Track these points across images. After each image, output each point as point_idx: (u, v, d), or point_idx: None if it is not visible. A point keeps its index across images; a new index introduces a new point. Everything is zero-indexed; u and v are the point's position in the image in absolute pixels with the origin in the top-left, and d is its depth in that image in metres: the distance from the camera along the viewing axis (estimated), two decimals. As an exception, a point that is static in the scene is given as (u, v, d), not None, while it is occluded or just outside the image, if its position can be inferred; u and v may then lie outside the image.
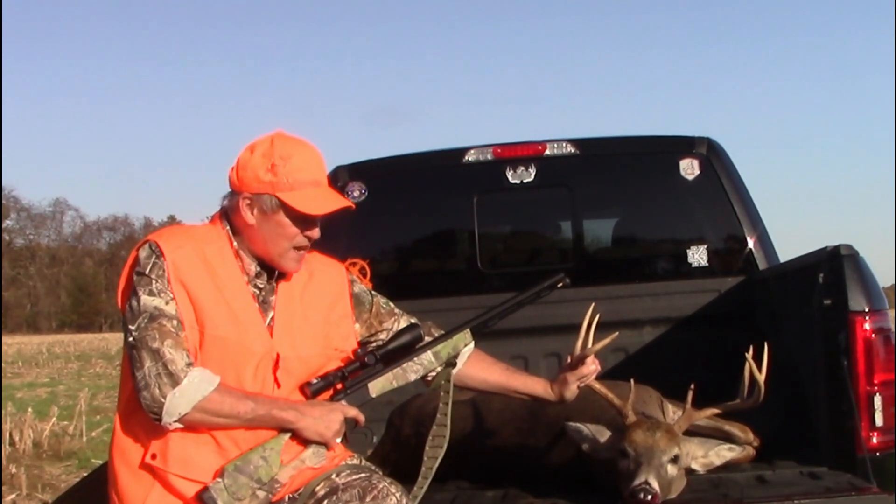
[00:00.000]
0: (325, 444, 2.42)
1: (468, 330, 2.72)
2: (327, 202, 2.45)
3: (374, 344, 2.67)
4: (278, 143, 2.44)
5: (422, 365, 2.63)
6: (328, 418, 2.41)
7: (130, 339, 2.32)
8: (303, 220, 2.44)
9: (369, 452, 3.47)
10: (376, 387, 2.55)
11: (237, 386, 2.36)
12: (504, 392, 2.81)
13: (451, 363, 2.69)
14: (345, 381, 2.51)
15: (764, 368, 2.79)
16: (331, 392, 2.50)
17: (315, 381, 2.46)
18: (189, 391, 2.26)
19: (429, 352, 2.64)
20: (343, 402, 2.49)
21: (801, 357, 3.29)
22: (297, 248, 2.47)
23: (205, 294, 2.37)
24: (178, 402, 2.26)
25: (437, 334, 2.74)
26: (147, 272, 2.34)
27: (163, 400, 2.25)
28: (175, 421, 2.27)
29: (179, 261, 2.36)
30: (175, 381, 2.26)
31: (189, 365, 2.29)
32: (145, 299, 2.32)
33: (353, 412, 2.48)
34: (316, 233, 2.48)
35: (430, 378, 2.70)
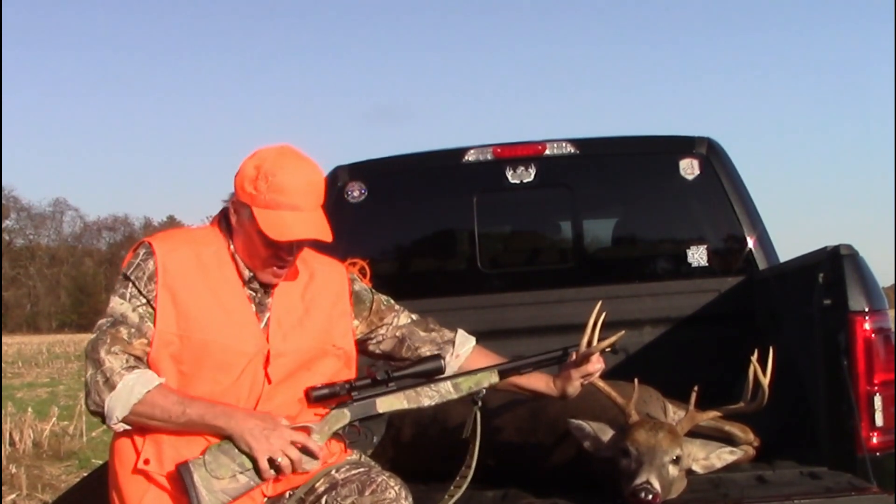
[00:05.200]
0: (255, 460, 2.31)
1: (496, 371, 2.66)
2: (293, 229, 2.37)
3: (374, 340, 2.69)
4: (275, 157, 2.41)
5: (438, 393, 2.59)
6: (265, 434, 2.32)
7: (89, 339, 2.38)
8: (272, 242, 2.40)
9: (370, 452, 3.47)
10: (385, 403, 2.53)
11: (228, 385, 2.38)
12: (506, 388, 2.78)
13: (473, 400, 2.64)
14: (352, 392, 2.49)
15: (769, 373, 2.79)
16: (335, 402, 2.49)
17: (320, 387, 2.46)
18: (123, 395, 2.30)
19: (448, 382, 2.60)
20: (331, 415, 2.46)
21: (801, 357, 3.29)
22: (271, 266, 2.44)
23: (195, 298, 2.38)
24: (114, 406, 2.31)
25: (434, 328, 2.74)
26: (129, 273, 2.39)
27: (102, 405, 2.31)
28: (116, 423, 2.32)
29: (171, 264, 2.38)
30: (111, 385, 2.30)
31: (126, 368, 2.31)
32: (114, 302, 2.38)
33: (310, 443, 2.36)
34: (285, 255, 2.43)
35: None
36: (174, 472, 2.32)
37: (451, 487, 2.64)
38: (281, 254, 2.43)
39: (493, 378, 2.66)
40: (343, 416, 2.49)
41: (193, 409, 2.33)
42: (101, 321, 2.38)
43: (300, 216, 2.39)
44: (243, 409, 2.38)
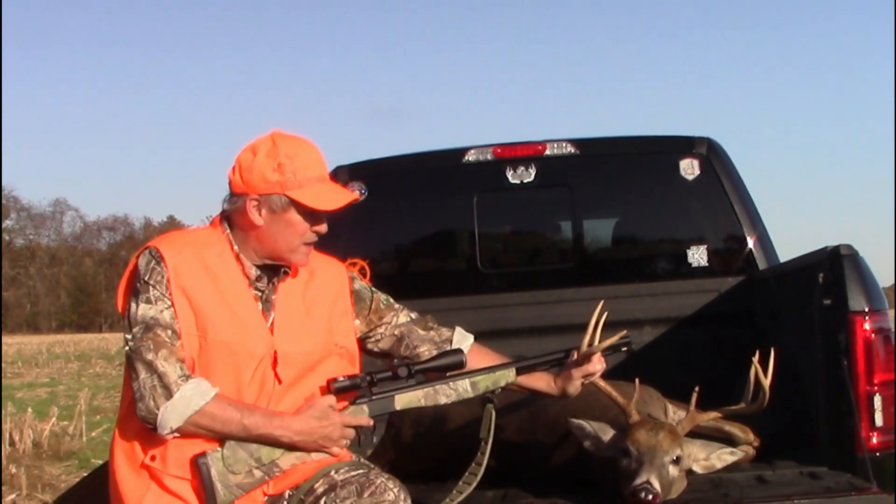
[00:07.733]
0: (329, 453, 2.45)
1: (514, 369, 2.68)
2: (337, 197, 2.50)
3: (373, 338, 2.70)
4: (280, 142, 2.46)
5: (455, 391, 2.61)
6: (324, 432, 2.41)
7: (127, 348, 2.35)
8: (312, 216, 2.47)
9: (369, 452, 3.47)
10: (402, 400, 2.54)
11: (238, 387, 2.38)
12: (507, 386, 2.79)
13: (489, 399, 2.66)
14: (373, 386, 2.51)
15: (770, 374, 2.78)
16: (354, 394, 2.50)
17: (341, 379, 2.46)
18: (179, 406, 2.29)
19: (466, 380, 2.62)
20: (350, 410, 2.48)
21: (801, 357, 3.29)
22: (307, 244, 2.51)
23: (206, 299, 2.38)
24: (169, 416, 2.29)
25: (433, 326, 2.75)
26: (146, 279, 2.37)
27: (156, 412, 2.29)
28: (169, 433, 2.30)
29: (180, 266, 2.38)
30: (169, 394, 2.29)
31: (182, 377, 2.30)
32: (142, 308, 2.35)
33: (363, 421, 2.48)
34: (324, 227, 2.51)
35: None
36: (177, 472, 2.33)
37: (460, 483, 2.64)
38: (316, 227, 2.50)
39: (511, 377, 2.68)
40: (361, 412, 2.50)
41: (252, 422, 2.34)
42: (133, 329, 2.33)
43: (329, 185, 2.53)
44: (296, 415, 2.40)
